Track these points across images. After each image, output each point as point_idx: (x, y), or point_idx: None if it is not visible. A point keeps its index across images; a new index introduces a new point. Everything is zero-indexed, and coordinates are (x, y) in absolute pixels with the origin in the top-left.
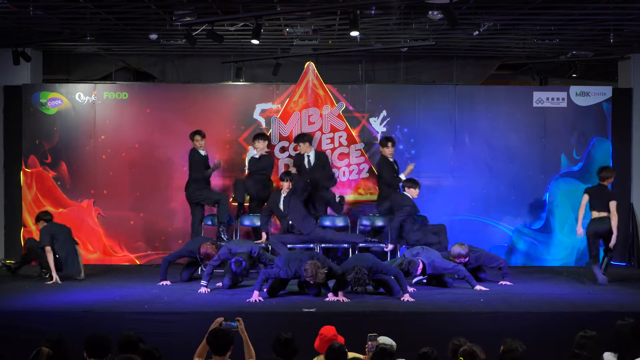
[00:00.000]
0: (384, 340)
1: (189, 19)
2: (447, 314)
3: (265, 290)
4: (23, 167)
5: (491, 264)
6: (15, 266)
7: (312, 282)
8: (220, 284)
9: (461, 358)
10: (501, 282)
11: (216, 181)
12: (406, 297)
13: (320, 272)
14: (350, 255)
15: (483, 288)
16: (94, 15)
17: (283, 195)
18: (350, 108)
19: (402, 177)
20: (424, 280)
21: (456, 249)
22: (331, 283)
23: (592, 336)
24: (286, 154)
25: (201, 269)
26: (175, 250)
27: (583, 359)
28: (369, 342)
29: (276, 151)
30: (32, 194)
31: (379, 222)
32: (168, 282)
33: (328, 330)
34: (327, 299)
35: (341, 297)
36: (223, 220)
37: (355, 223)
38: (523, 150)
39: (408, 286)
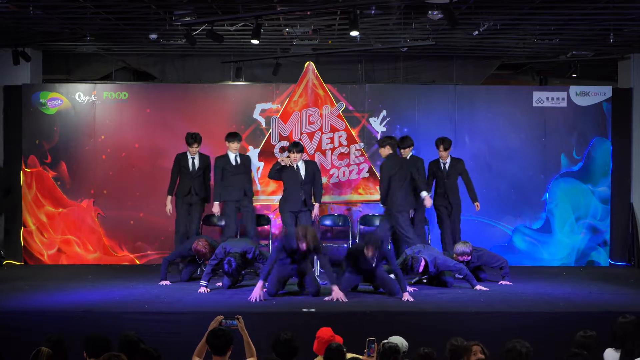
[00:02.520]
0: (398, 340)
1: (189, 19)
2: (447, 314)
3: (265, 290)
4: (23, 167)
5: (493, 264)
6: None
7: (305, 247)
8: (220, 283)
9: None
10: (501, 282)
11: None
12: (406, 297)
13: (309, 234)
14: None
15: (483, 288)
16: (94, 15)
17: (295, 164)
18: (350, 108)
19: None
20: (424, 280)
21: (460, 247)
22: (327, 283)
23: (591, 336)
24: (285, 153)
25: (201, 269)
26: (175, 250)
27: (582, 359)
28: (371, 347)
29: (276, 151)
30: (32, 194)
31: (378, 222)
32: (168, 282)
33: (325, 332)
34: (326, 299)
35: (337, 295)
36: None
37: (355, 223)
38: (523, 150)
39: (408, 286)
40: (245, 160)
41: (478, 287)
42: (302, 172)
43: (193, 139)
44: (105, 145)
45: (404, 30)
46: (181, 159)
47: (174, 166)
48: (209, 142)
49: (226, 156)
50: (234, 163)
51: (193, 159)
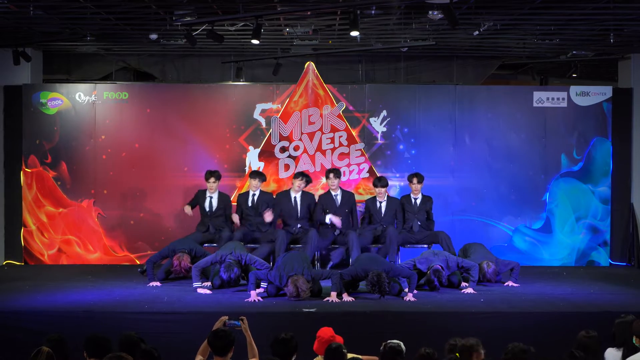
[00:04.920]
0: (395, 344)
1: (189, 19)
2: (447, 314)
3: (262, 289)
4: (23, 167)
5: (505, 268)
6: None
7: (293, 292)
8: (208, 283)
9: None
10: (508, 282)
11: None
12: (409, 297)
13: (301, 287)
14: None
15: (472, 290)
16: (94, 15)
17: (293, 195)
18: (350, 108)
19: None
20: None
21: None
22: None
23: (593, 336)
24: (286, 154)
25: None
26: (159, 251)
27: None
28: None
29: (276, 151)
30: (32, 194)
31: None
32: (158, 283)
33: (325, 332)
34: (327, 299)
35: (333, 298)
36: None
37: None
38: (523, 150)
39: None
40: (263, 200)
41: (469, 290)
42: (298, 205)
43: (210, 173)
44: (106, 145)
45: (404, 30)
46: (200, 195)
47: (193, 199)
48: (209, 143)
49: (246, 195)
50: (249, 204)
51: (211, 198)
